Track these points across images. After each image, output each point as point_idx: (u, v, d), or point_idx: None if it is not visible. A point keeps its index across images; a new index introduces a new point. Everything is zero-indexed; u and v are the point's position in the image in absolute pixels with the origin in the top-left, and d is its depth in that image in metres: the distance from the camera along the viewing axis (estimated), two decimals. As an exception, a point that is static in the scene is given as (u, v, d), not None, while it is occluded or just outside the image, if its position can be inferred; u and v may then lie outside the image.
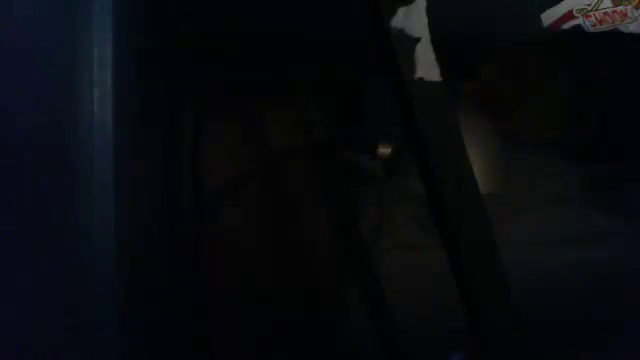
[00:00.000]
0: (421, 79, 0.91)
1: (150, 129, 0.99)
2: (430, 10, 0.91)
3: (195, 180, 1.22)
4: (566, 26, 1.09)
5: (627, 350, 1.35)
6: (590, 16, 1.08)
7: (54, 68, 0.81)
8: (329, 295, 1.42)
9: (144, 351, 0.94)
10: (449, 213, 0.93)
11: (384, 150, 1.33)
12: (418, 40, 0.91)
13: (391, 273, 1.39)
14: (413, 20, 0.91)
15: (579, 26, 1.09)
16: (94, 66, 0.81)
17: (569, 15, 1.08)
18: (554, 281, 1.40)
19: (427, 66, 0.91)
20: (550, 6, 1.08)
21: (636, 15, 1.08)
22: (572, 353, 1.35)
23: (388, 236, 1.43)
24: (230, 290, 1.35)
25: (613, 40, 1.13)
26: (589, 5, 1.08)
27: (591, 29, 1.09)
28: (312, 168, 1.42)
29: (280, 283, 1.40)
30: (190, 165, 1.20)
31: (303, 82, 1.39)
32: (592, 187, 1.47)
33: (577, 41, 1.41)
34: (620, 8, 1.08)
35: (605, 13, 1.08)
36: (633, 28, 1.09)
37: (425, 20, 0.91)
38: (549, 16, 1.08)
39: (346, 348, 1.40)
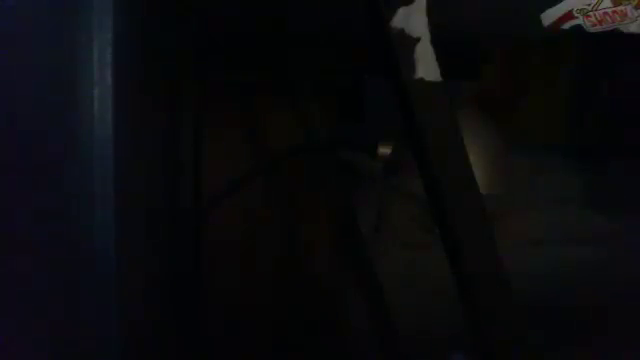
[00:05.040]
0: (421, 79, 0.91)
1: (150, 129, 0.99)
2: (430, 10, 0.91)
3: (195, 180, 1.22)
4: (566, 26, 1.09)
5: (626, 349, 1.35)
6: (590, 16, 1.08)
7: (54, 68, 0.81)
8: (329, 295, 1.42)
9: (144, 351, 0.94)
10: (449, 213, 0.93)
11: (384, 150, 1.33)
12: (418, 40, 0.91)
13: (391, 273, 1.39)
14: (413, 20, 0.91)
15: (579, 26, 1.09)
16: (94, 66, 0.81)
17: (569, 15, 1.08)
18: (554, 281, 1.40)
19: (427, 66, 0.91)
20: (550, 6, 1.08)
21: (636, 15, 1.08)
22: (572, 352, 1.36)
23: (388, 236, 1.43)
24: (230, 290, 1.35)
25: (613, 40, 1.13)
26: (589, 5, 1.08)
27: (591, 29, 1.09)
28: (312, 168, 1.42)
29: (280, 283, 1.40)
30: (190, 165, 1.20)
31: (303, 82, 1.39)
32: (592, 187, 1.47)
33: (577, 41, 1.41)
34: (620, 8, 1.08)
35: (605, 13, 1.08)
36: (633, 28, 1.09)
37: (425, 20, 0.91)
38: (549, 16, 1.08)
39: (346, 348, 1.40)
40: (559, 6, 1.08)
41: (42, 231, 0.81)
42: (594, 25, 1.09)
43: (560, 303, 1.38)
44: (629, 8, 1.08)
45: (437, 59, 0.92)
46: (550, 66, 1.48)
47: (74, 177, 0.81)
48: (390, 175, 1.37)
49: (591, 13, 1.08)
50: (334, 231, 1.43)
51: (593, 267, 1.41)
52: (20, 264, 0.81)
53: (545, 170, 1.48)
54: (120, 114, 0.82)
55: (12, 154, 0.80)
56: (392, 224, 1.43)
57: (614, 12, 1.08)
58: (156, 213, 1.01)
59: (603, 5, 1.08)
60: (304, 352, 1.38)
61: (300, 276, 1.42)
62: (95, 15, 0.81)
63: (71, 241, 0.82)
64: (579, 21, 1.09)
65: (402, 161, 1.32)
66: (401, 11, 0.90)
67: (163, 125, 1.07)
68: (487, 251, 0.94)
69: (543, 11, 1.09)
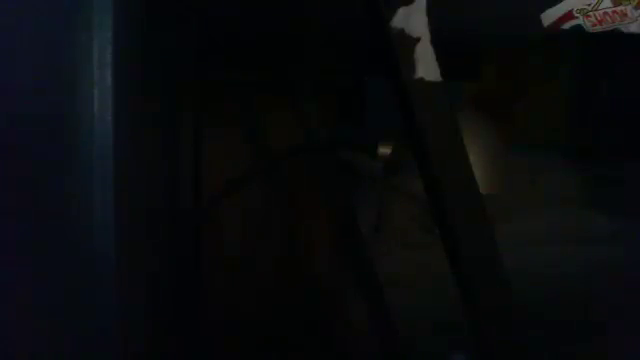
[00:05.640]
0: (421, 79, 0.91)
1: (150, 129, 0.99)
2: (430, 10, 0.91)
3: (195, 180, 1.22)
4: (566, 26, 1.09)
5: (626, 349, 1.35)
6: (590, 16, 1.08)
7: (54, 68, 0.81)
8: (329, 295, 1.42)
9: (144, 351, 0.94)
10: (449, 213, 0.93)
11: (384, 150, 1.33)
12: (418, 40, 0.91)
13: (391, 273, 1.39)
14: (413, 20, 0.91)
15: (579, 26, 1.09)
16: (94, 66, 0.81)
17: (569, 15, 1.08)
18: (554, 281, 1.40)
19: (427, 66, 0.91)
20: (550, 6, 1.08)
21: (636, 15, 1.08)
22: (572, 352, 1.35)
23: (388, 236, 1.43)
24: (230, 290, 1.35)
25: (613, 40, 1.13)
26: (589, 5, 1.08)
27: (591, 29, 1.09)
28: (312, 168, 1.42)
29: (280, 283, 1.40)
30: (190, 165, 1.20)
31: (303, 82, 1.39)
32: (592, 187, 1.47)
33: (577, 41, 1.41)
34: (620, 8, 1.08)
35: (605, 13, 1.08)
36: (633, 28, 1.09)
37: (425, 20, 0.91)
38: (549, 16, 1.08)
39: (346, 348, 1.40)
40: (559, 6, 1.08)
41: (42, 231, 0.81)
42: (594, 25, 1.09)
43: (560, 303, 1.38)
44: (629, 8, 1.08)
45: (437, 59, 0.92)
46: (550, 66, 1.48)
47: (74, 177, 0.81)
48: (390, 175, 1.37)
49: (591, 13, 1.08)
50: (334, 231, 1.43)
51: (593, 267, 1.41)
52: (20, 264, 0.81)
53: (545, 170, 1.48)
54: (120, 114, 0.82)
55: (12, 154, 0.80)
56: (392, 224, 1.43)
57: (614, 12, 1.08)
58: (156, 213, 1.01)
59: (603, 5, 1.08)
60: (304, 352, 1.38)
61: (300, 276, 1.41)
62: (95, 14, 0.81)
63: (71, 241, 0.82)
64: (579, 21, 1.09)
65: (402, 161, 1.32)
66: (401, 11, 0.90)
67: (163, 125, 1.07)
68: (487, 251, 0.94)
69: (543, 11, 1.09)
